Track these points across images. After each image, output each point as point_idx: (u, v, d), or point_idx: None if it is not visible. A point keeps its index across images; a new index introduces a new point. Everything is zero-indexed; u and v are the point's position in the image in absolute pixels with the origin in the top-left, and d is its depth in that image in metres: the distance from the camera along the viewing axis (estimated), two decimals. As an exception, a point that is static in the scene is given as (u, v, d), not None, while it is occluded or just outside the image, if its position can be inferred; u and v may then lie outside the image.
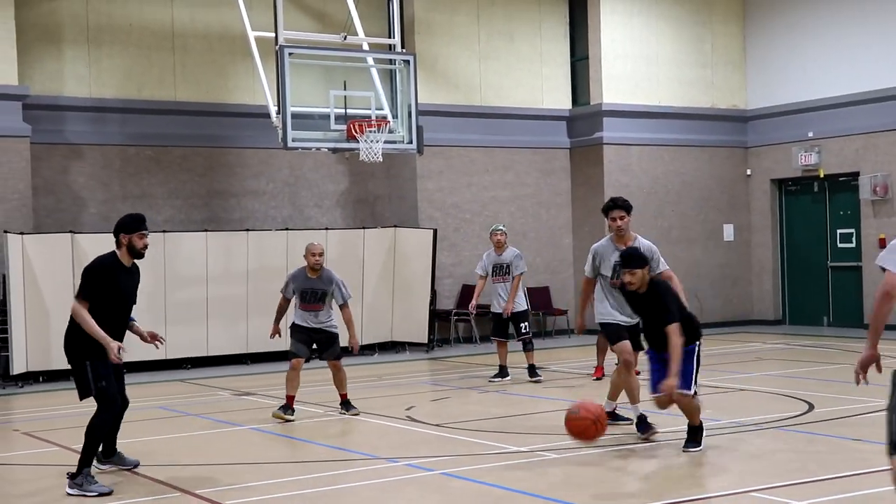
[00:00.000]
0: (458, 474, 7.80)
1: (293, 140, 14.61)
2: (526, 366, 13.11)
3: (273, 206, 17.90)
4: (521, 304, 13.18)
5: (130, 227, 7.81)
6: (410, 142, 15.54)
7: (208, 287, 15.90)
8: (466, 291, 18.63)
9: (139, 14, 16.88)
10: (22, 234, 14.64)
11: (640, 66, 19.86)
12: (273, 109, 14.72)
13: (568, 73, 20.20)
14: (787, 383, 12.35)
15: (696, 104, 20.43)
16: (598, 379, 12.84)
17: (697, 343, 8.33)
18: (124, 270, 7.82)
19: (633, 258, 8.19)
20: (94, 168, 16.62)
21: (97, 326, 7.54)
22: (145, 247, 7.84)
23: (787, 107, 19.96)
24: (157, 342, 8.13)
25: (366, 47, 15.97)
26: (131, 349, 15.90)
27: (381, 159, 15.17)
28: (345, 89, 15.23)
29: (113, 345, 7.50)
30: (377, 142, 14.93)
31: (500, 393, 12.37)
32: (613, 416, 9.24)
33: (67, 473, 7.60)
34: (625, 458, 8.38)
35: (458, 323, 18.66)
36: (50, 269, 14.66)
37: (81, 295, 7.68)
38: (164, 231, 16.07)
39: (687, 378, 8.10)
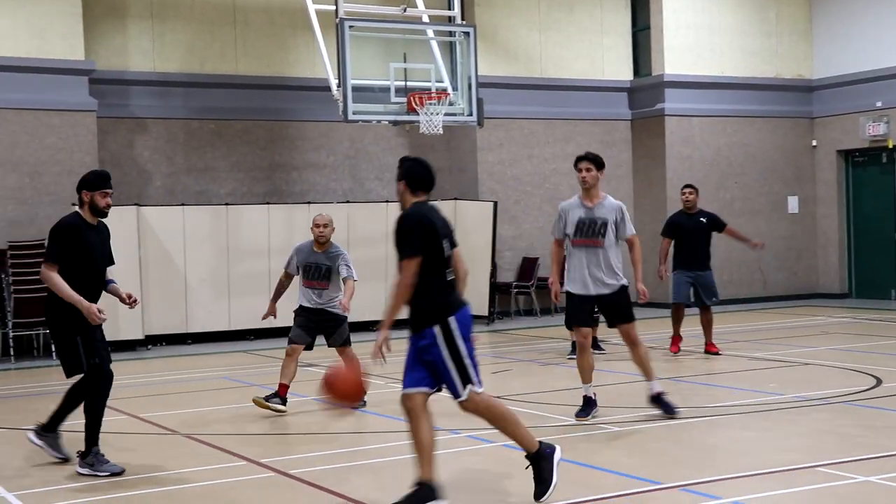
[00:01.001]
0: (519, 446, 7.80)
1: (353, 113, 14.64)
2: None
3: (334, 179, 18.00)
4: None
5: (94, 184, 7.41)
6: (471, 114, 15.50)
7: (270, 259, 16.04)
8: (527, 264, 18.62)
9: (201, -12, 17.02)
10: (89, 207, 14.87)
11: (702, 35, 19.57)
12: (334, 82, 14.75)
13: (629, 44, 19.98)
14: (853, 357, 12.17)
15: (759, 74, 20.10)
16: (675, 354, 12.65)
17: (452, 320, 5.94)
18: (90, 228, 7.45)
19: None
20: (159, 141, 16.83)
21: (70, 289, 7.18)
22: (108, 206, 7.45)
23: (855, 76, 19.56)
24: (131, 303, 7.52)
25: (426, 19, 15.92)
26: (197, 321, 16.16)
27: (441, 132, 15.16)
28: (405, 62, 15.21)
29: (90, 307, 7.15)
30: (437, 114, 14.91)
31: (561, 366, 12.34)
32: (658, 401, 8.65)
33: (77, 452, 7.44)
34: (689, 431, 8.33)
35: (519, 296, 18.64)
36: (116, 241, 14.68)
37: (49, 258, 7.30)
38: (226, 204, 16.26)
39: (454, 374, 5.94)
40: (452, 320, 5.95)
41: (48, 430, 7.70)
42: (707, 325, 12.66)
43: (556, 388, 10.70)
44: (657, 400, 8.70)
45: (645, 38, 19.81)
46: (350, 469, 7.40)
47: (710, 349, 12.65)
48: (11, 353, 14.48)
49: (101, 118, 15.93)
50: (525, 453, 6.16)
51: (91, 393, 7.39)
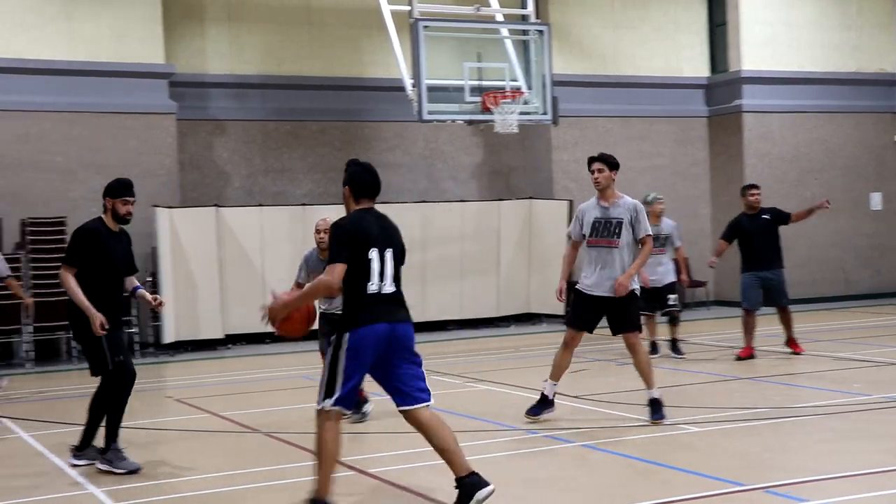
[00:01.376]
0: (598, 446, 7.77)
1: (428, 113, 14.70)
2: (669, 339, 12.80)
3: (409, 179, 18.06)
4: (670, 275, 12.80)
5: (116, 191, 7.53)
6: (545, 113, 15.45)
7: (347, 259, 16.16)
8: (602, 263, 18.48)
9: (277, -9, 17.22)
10: (170, 207, 15.14)
11: (780, 30, 19.26)
12: (408, 82, 14.81)
13: (705, 40, 19.74)
14: (940, 358, 11.87)
15: (840, 69, 19.72)
16: (742, 358, 12.16)
17: (347, 335, 5.75)
18: (111, 235, 7.55)
19: None
20: (237, 143, 17.07)
21: (82, 294, 7.32)
22: (129, 213, 7.55)
23: (940, 69, 19.11)
24: (157, 305, 7.75)
25: (500, 18, 15.91)
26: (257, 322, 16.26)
27: (516, 131, 15.14)
28: (479, 61, 15.21)
29: (96, 317, 7.26)
30: (512, 113, 14.90)
31: (638, 365, 12.20)
32: (653, 403, 8.55)
33: (98, 449, 7.55)
34: (772, 432, 8.19)
35: (594, 295, 18.50)
36: (196, 242, 15.15)
37: (67, 261, 7.45)
38: (303, 205, 16.42)
39: (322, 382, 5.82)
40: (346, 336, 5.74)
41: (82, 449, 7.76)
42: (786, 324, 12.40)
43: (632, 388, 10.60)
44: (653, 403, 8.57)
45: (721, 34, 19.55)
46: (430, 469, 7.40)
47: (793, 347, 12.36)
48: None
49: (180, 120, 16.21)
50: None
51: (115, 390, 7.49)
